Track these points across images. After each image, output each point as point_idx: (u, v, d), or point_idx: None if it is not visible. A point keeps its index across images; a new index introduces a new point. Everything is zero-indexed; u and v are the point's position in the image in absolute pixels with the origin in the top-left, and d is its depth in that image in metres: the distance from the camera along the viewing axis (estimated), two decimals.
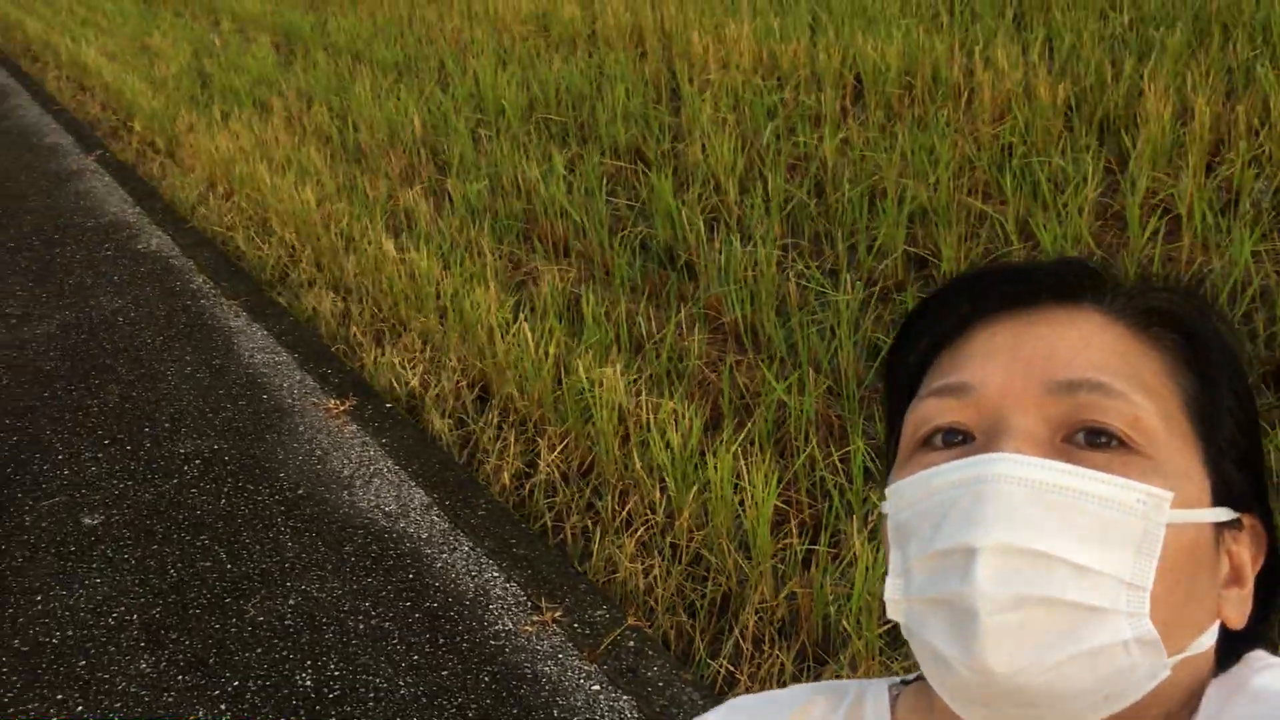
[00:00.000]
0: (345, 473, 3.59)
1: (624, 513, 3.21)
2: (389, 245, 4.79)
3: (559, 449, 3.51)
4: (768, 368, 3.63)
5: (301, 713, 2.67)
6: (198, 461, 3.73)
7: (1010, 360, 0.62)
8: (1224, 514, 0.61)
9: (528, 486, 3.45)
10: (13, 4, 14.74)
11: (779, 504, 3.04)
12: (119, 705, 2.77)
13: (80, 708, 2.78)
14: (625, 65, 7.02)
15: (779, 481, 3.06)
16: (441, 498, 3.41)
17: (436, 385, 3.98)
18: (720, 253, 4.40)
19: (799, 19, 7.11)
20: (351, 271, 4.84)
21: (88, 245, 5.82)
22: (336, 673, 2.77)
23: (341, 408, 3.95)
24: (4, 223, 6.35)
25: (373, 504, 3.42)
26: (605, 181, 5.38)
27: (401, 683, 2.71)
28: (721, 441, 3.22)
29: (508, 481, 3.48)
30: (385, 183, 5.84)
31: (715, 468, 3.07)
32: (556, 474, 3.45)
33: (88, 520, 3.51)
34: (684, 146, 5.58)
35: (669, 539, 3.08)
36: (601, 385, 3.53)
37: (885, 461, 0.72)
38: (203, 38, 10.18)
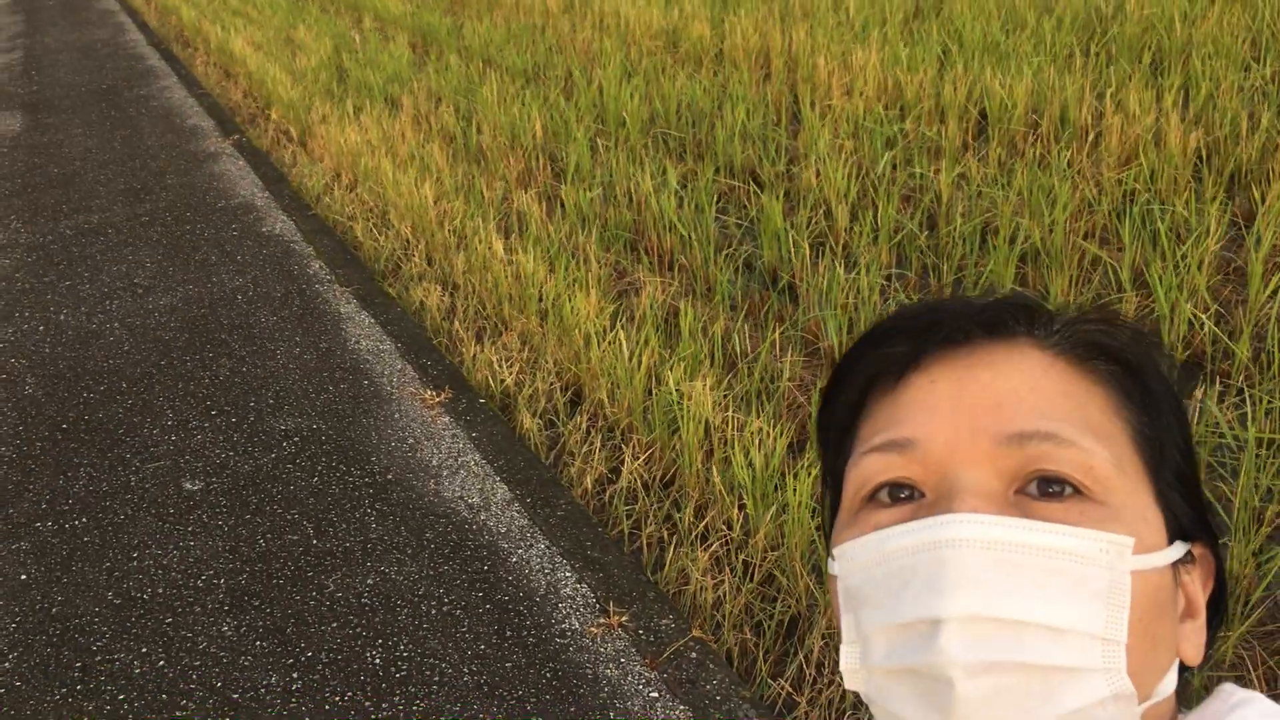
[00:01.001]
0: (434, 462, 3.67)
1: (701, 526, 3.22)
2: (498, 245, 4.89)
3: (643, 458, 3.54)
4: None
5: (368, 688, 2.74)
6: (296, 439, 3.86)
7: (954, 411, 0.59)
8: (1179, 550, 0.60)
9: (609, 492, 3.49)
10: None
11: None
12: (198, 664, 2.88)
13: (162, 662, 2.90)
14: (748, 86, 7.05)
15: None
16: (523, 495, 3.46)
17: (530, 385, 4.05)
18: (824, 278, 4.39)
19: (928, 50, 7.05)
20: (460, 268, 4.95)
21: (216, 225, 6.06)
22: (405, 654, 2.84)
23: (437, 399, 4.04)
24: (142, 197, 6.66)
25: (457, 495, 3.50)
26: (717, 199, 5.40)
27: (466, 670, 2.77)
28: (804, 465, 3.21)
29: (590, 486, 3.52)
30: (501, 184, 5.96)
31: (795, 490, 3.07)
32: (639, 482, 3.47)
33: (189, 485, 3.66)
34: (799, 170, 5.58)
35: (742, 556, 3.08)
36: (690, 398, 3.55)
37: (825, 514, 0.69)
38: (344, 34, 10.52)
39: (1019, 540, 0.54)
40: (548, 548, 3.21)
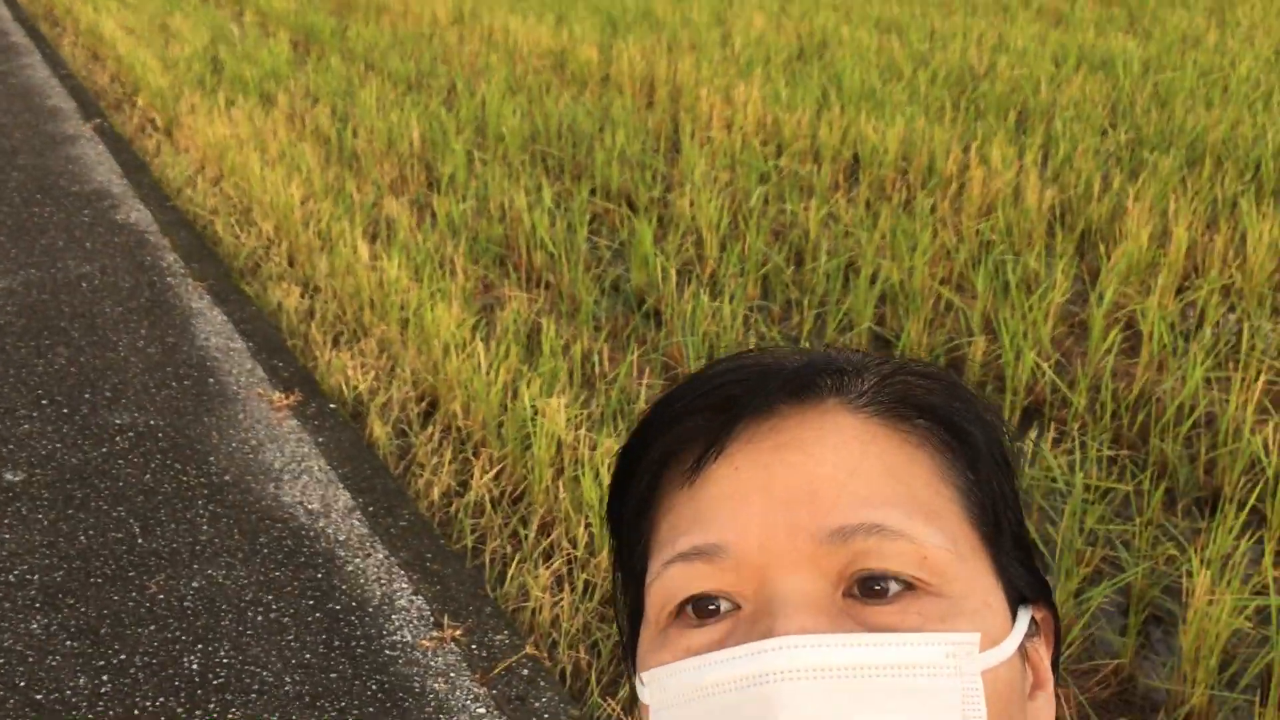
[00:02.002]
0: (276, 465, 3.56)
1: (545, 544, 3.19)
2: (364, 250, 4.79)
3: (493, 472, 3.49)
4: None
5: (182, 694, 2.62)
6: (131, 434, 3.70)
7: (765, 505, 0.52)
8: (1024, 623, 0.55)
9: (456, 506, 3.42)
10: None
11: None
12: (1, 661, 2.71)
13: None
14: (631, 112, 7.09)
15: None
16: (366, 503, 3.38)
17: (385, 394, 3.96)
18: (689, 304, 4.42)
19: (808, 92, 7.21)
20: (323, 271, 4.83)
21: (67, 209, 5.80)
22: (225, 660, 2.72)
23: (285, 401, 3.92)
24: None
25: (296, 500, 3.39)
26: (590, 220, 5.40)
27: (289, 679, 2.67)
28: None
29: (437, 498, 3.45)
30: (373, 190, 5.85)
31: None
32: (487, 497, 3.42)
33: (9, 476, 3.46)
34: (673, 197, 5.62)
35: (584, 575, 3.05)
36: (545, 415, 3.52)
37: (622, 621, 0.62)
38: (223, 26, 10.25)
39: (856, 661, 0.48)
40: (386, 558, 3.13)
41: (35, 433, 3.69)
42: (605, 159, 6.11)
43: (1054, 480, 3.36)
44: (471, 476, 3.51)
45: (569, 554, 3.12)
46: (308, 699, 2.61)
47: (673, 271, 4.66)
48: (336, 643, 2.79)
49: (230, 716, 2.55)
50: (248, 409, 3.89)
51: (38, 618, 2.87)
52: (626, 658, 0.61)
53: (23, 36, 10.62)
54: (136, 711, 2.58)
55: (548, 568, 3.07)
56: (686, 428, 0.56)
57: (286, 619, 2.87)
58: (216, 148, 6.44)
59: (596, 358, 4.08)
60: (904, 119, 6.44)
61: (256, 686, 2.65)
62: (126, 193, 6.06)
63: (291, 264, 5.11)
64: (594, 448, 3.43)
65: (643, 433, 0.58)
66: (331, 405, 3.96)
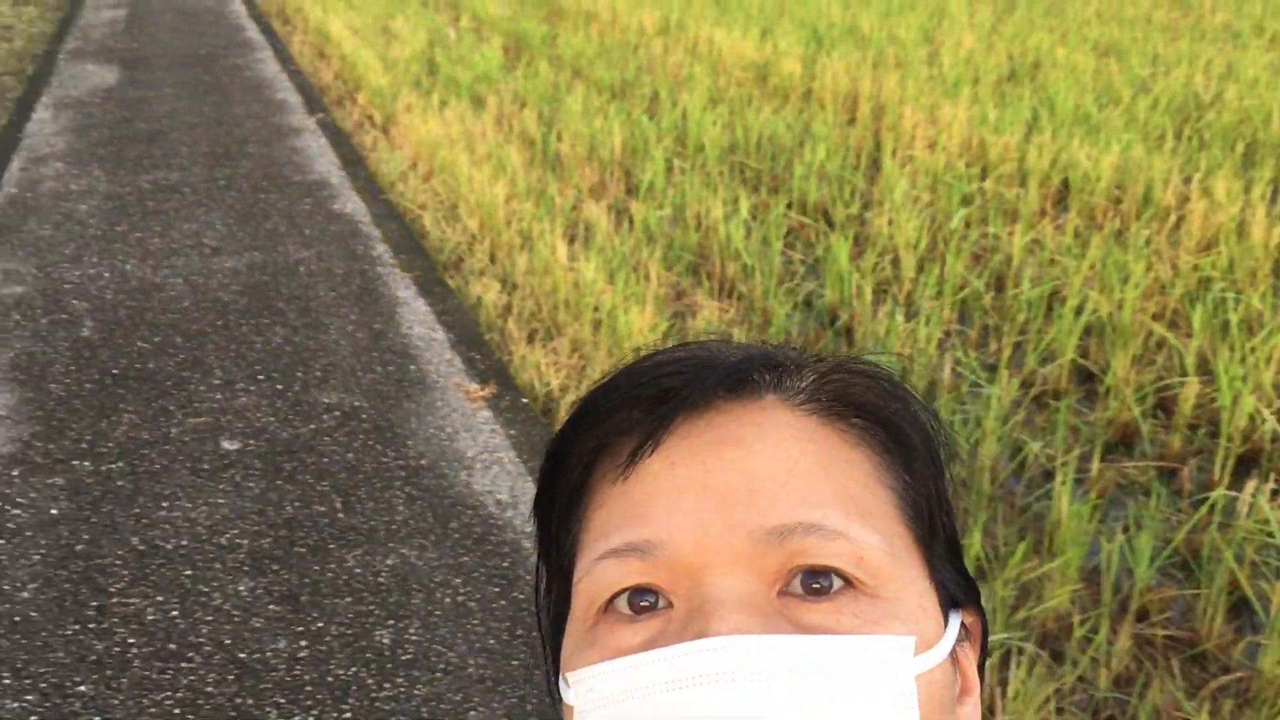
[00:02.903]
0: (469, 454, 3.67)
1: None
2: (562, 251, 4.90)
3: None
4: None
5: (373, 666, 2.73)
6: (337, 413, 3.88)
7: (701, 502, 0.51)
8: (955, 628, 0.55)
9: None
10: None
11: None
12: (210, 619, 2.89)
13: (175, 613, 2.91)
14: (831, 127, 7.03)
15: None
16: None
17: (575, 391, 4.04)
18: (883, 324, 4.34)
19: (1018, 114, 6.99)
20: (522, 269, 4.96)
21: (290, 197, 6.14)
22: (414, 637, 2.82)
23: (481, 393, 4.05)
24: (223, 162, 6.77)
25: (487, 489, 3.49)
26: (785, 233, 5.38)
27: (472, 662, 2.75)
28: None
29: None
30: (574, 193, 5.98)
31: None
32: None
33: (226, 445, 3.68)
34: (871, 215, 5.54)
35: None
36: None
37: (546, 622, 0.60)
38: (440, 30, 10.66)
39: (792, 662, 0.47)
40: None
41: (251, 406, 3.91)
42: (804, 173, 6.07)
43: (1270, 535, 3.16)
44: None
45: None
46: (489, 684, 2.68)
47: (867, 290, 4.60)
48: (519, 631, 2.86)
49: (416, 692, 2.65)
50: (445, 397, 4.03)
51: (245, 580, 3.04)
52: (548, 659, 0.60)
53: (257, 33, 11.30)
54: (330, 679, 2.70)
55: None
56: (620, 420, 0.55)
57: (473, 604, 2.95)
58: (428, 146, 6.70)
59: None
60: (1120, 146, 6.18)
61: (442, 666, 2.73)
62: (344, 184, 6.37)
63: (493, 260, 5.27)
64: None
65: (575, 424, 0.57)
66: (524, 400, 4.06)
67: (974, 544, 3.01)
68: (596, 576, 0.52)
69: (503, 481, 3.54)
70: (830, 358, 0.58)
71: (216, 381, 4.07)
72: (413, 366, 4.25)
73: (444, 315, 4.68)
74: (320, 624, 2.88)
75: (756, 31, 9.76)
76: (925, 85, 7.87)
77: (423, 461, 3.62)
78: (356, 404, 3.95)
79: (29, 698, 2.63)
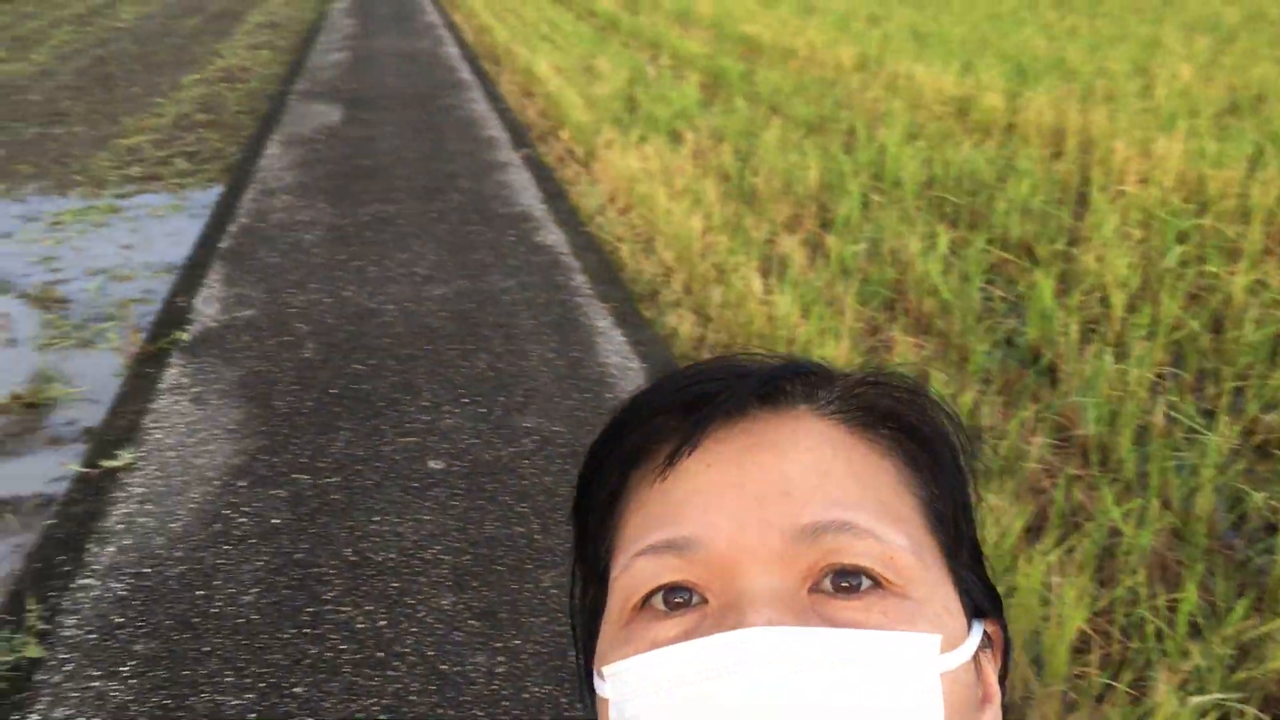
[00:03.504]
0: None
1: None
2: (756, 284, 4.93)
3: None
4: (1109, 490, 3.42)
5: (567, 687, 2.80)
6: (536, 437, 4.01)
7: (738, 502, 0.53)
8: (979, 635, 0.56)
9: None
10: (493, 15, 16.45)
11: (1085, 628, 2.86)
12: (414, 631, 3.02)
13: (383, 623, 3.06)
14: (1036, 162, 6.83)
15: (1091, 607, 2.88)
16: None
17: None
18: (1090, 364, 4.19)
19: (1240, 148, 6.64)
20: (716, 302, 5.02)
21: (496, 229, 6.39)
22: None
23: None
24: (435, 195, 7.11)
25: None
26: (986, 270, 5.26)
27: None
28: (1039, 550, 3.07)
29: None
30: (768, 227, 6.01)
31: (1026, 574, 2.93)
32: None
33: (433, 464, 3.85)
34: (1078, 252, 5.36)
35: None
36: None
37: (581, 619, 0.62)
38: (640, 68, 10.90)
39: (823, 655, 0.49)
40: None
41: (456, 428, 4.08)
42: (1006, 209, 5.93)
43: None
44: None
45: None
46: None
47: (1073, 328, 4.44)
48: None
49: None
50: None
51: (448, 595, 3.17)
52: (584, 662, 0.60)
53: (469, 73, 11.83)
54: (525, 695, 2.78)
55: None
56: (658, 425, 0.57)
57: None
58: (627, 180, 6.86)
59: (984, 410, 3.96)
60: None
61: None
62: (546, 217, 6.58)
63: (688, 293, 5.34)
64: (979, 502, 3.33)
65: (614, 430, 0.59)
66: None
67: (1189, 598, 2.86)
68: (634, 573, 0.54)
69: None
70: (861, 370, 0.60)
71: (425, 403, 4.27)
72: (609, 395, 4.35)
73: (639, 345, 4.78)
74: (517, 641, 2.97)
75: (957, 65, 9.60)
76: (1137, 118, 7.56)
77: None
78: (555, 429, 4.07)
79: (248, 696, 2.81)
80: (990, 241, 5.68)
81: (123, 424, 4.22)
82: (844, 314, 4.79)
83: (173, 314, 5.28)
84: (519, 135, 8.81)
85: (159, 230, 7.03)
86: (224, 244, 6.27)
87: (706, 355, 4.52)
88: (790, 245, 5.58)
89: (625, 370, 4.56)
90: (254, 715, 2.74)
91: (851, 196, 6.13)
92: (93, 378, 4.87)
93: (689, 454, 0.55)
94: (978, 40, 11.23)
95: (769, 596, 0.50)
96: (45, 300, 5.82)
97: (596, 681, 0.56)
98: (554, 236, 6.23)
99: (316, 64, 13.09)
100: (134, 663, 2.91)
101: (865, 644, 0.49)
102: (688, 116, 8.56)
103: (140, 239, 6.85)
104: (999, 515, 3.22)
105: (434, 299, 5.30)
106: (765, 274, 5.35)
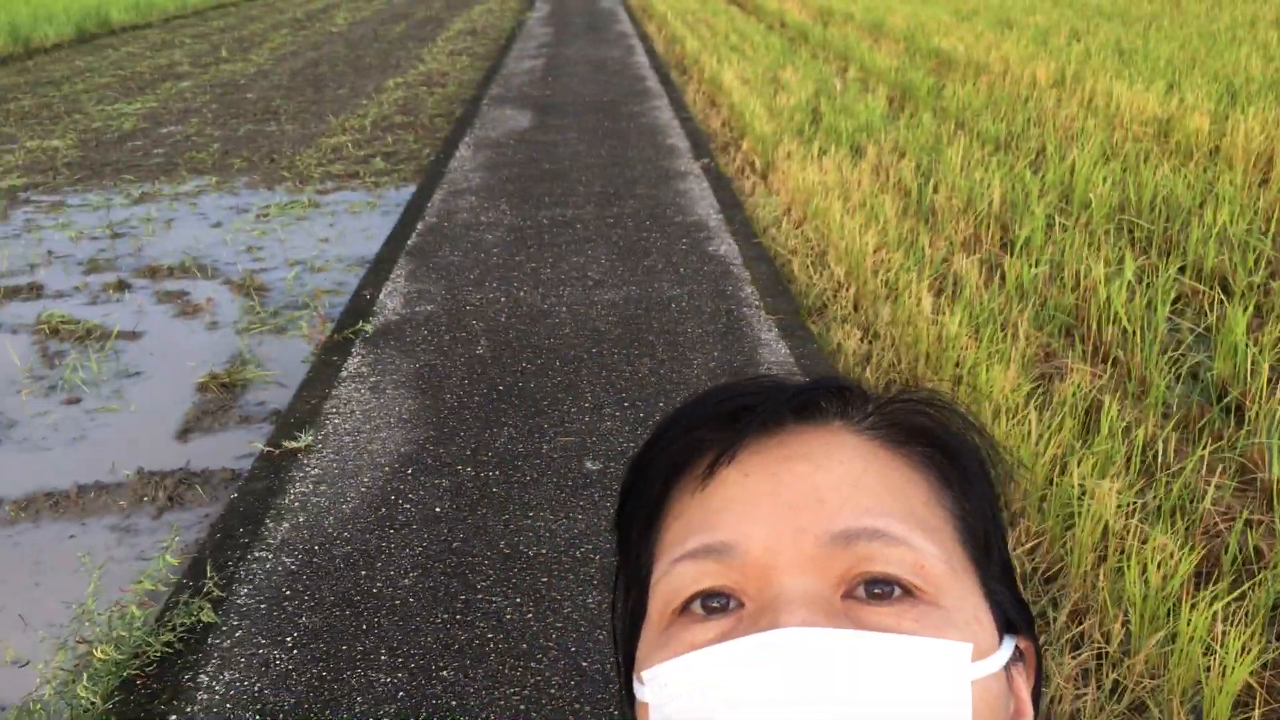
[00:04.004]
0: None
1: (1075, 631, 3.02)
2: (927, 303, 4.84)
3: (1028, 546, 3.37)
4: None
5: None
6: None
7: (773, 509, 0.54)
8: (1010, 648, 0.57)
9: None
10: (685, 25, 16.61)
11: (1251, 682, 2.70)
12: (559, 626, 3.10)
13: (530, 615, 3.15)
14: (1240, 189, 6.47)
15: (1259, 660, 2.72)
16: None
17: None
18: None
19: None
20: (884, 319, 4.95)
21: (669, 236, 6.47)
22: None
23: None
24: (613, 201, 7.24)
25: None
26: (1174, 300, 5.02)
27: None
28: (1206, 597, 2.92)
29: None
30: (945, 245, 5.88)
31: (1191, 621, 2.79)
32: (1018, 570, 3.31)
33: (590, 464, 3.94)
34: (1277, 285, 5.05)
35: (1114, 675, 2.85)
36: (1094, 497, 3.33)
37: (623, 625, 0.64)
38: (827, 80, 10.83)
39: (856, 655, 0.50)
40: None
41: (614, 430, 4.16)
42: (1201, 236, 5.63)
43: None
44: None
45: (1099, 648, 2.93)
46: None
47: (1265, 366, 4.20)
48: None
49: None
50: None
51: (594, 594, 3.24)
52: (624, 667, 0.62)
53: (656, 82, 11.98)
54: None
55: (1073, 657, 2.90)
56: (697, 438, 0.59)
57: None
58: (804, 193, 6.83)
59: (1161, 446, 3.78)
60: None
61: None
62: (720, 227, 6.62)
63: (856, 309, 5.29)
64: (1145, 541, 3.19)
65: (656, 442, 0.61)
66: None
67: None
68: (674, 578, 0.56)
69: None
70: (893, 387, 0.62)
71: (586, 404, 4.36)
72: None
73: (803, 359, 4.76)
74: None
75: (1161, 84, 9.16)
76: None
77: None
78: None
79: (399, 675, 2.94)
80: (1181, 270, 5.42)
81: (306, 408, 4.47)
82: (1017, 338, 4.65)
83: (359, 306, 5.56)
84: (700, 145, 8.88)
85: (354, 225, 7.40)
86: (411, 241, 6.55)
87: (870, 373, 4.47)
88: (966, 265, 5.46)
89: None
90: (402, 694, 2.86)
91: (1035, 218, 5.94)
92: (283, 362, 5.17)
93: (727, 464, 0.57)
94: (1187, 59, 10.70)
95: (803, 599, 0.52)
96: (247, 287, 6.21)
97: (636, 686, 0.58)
98: (726, 247, 6.26)
99: (511, 70, 13.50)
100: (297, 634, 3.08)
101: (896, 648, 0.50)
102: (871, 130, 8.46)
103: (336, 233, 7.23)
104: (1165, 556, 3.07)
105: (603, 303, 5.41)
106: (938, 293, 5.24)
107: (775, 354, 4.81)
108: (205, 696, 2.87)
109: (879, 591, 0.53)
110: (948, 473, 0.59)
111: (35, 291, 6.27)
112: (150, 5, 23.68)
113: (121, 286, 6.31)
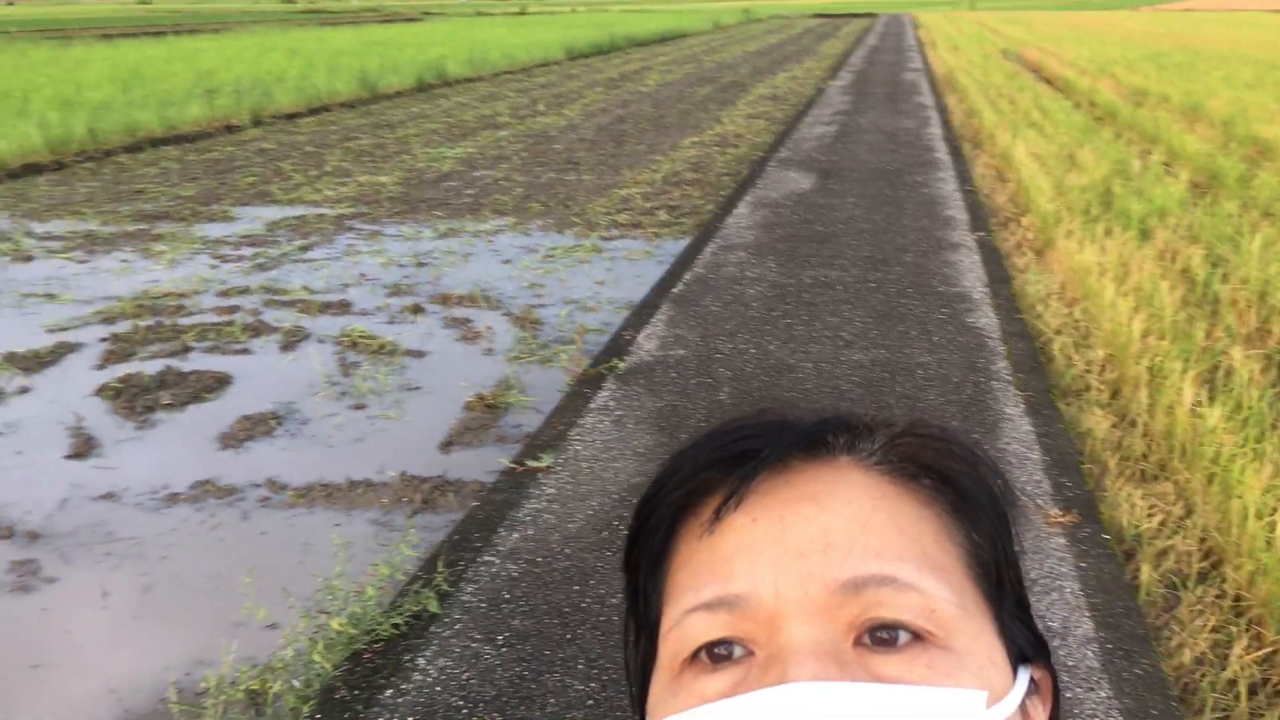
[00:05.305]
0: (1030, 575, 3.62)
1: None
2: (1188, 394, 4.61)
3: (1260, 654, 3.17)
4: None
5: None
6: None
7: (780, 555, 0.54)
8: (1024, 682, 0.56)
9: (1206, 676, 3.17)
10: (986, 100, 16.36)
11: None
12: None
13: None
14: None
15: None
16: (1107, 640, 3.29)
17: (1165, 540, 3.79)
18: None
19: None
20: (1141, 405, 4.74)
21: (929, 305, 6.43)
22: None
23: (1059, 519, 3.96)
24: (878, 266, 7.28)
25: (1039, 613, 3.42)
26: None
27: None
28: None
29: (1187, 660, 3.24)
30: (1224, 337, 5.55)
31: None
32: (1244, 679, 3.11)
33: None
34: None
35: None
36: None
37: (633, 670, 0.63)
38: (1125, 161, 10.40)
39: (866, 709, 0.49)
40: (1108, 698, 3.03)
41: None
42: None
43: None
44: (1232, 651, 3.22)
45: None
46: None
47: None
48: None
49: None
50: (1024, 516, 4.00)
51: None
52: (635, 708, 0.62)
53: (945, 154, 11.88)
54: None
55: None
56: (703, 481, 0.58)
57: None
58: (1079, 273, 6.62)
59: None
60: None
61: None
62: (983, 300, 6.52)
63: (1114, 396, 5.09)
64: None
65: (661, 484, 0.60)
66: (1105, 535, 3.90)
67: None
68: (685, 629, 0.55)
69: (1057, 610, 3.44)
70: (901, 421, 0.61)
71: None
72: (999, 482, 4.26)
73: (1045, 438, 4.63)
74: None
75: None
76: None
77: None
78: None
79: (592, 684, 3.11)
80: None
81: (552, 432, 4.78)
82: None
83: (618, 345, 5.87)
84: (979, 218, 8.75)
85: (629, 271, 7.79)
86: (676, 289, 6.84)
87: (1115, 460, 4.31)
88: (1241, 358, 5.14)
89: (1023, 459, 4.45)
90: (591, 702, 3.04)
91: None
92: (542, 390, 5.54)
93: (735, 509, 0.56)
94: None
95: (812, 649, 0.51)
96: (524, 320, 6.68)
97: None
98: (986, 320, 6.16)
99: (802, 135, 13.75)
100: (508, 634, 3.33)
101: (910, 700, 0.49)
102: (1164, 214, 8.07)
103: (612, 277, 7.63)
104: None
105: (850, 363, 5.47)
106: (1204, 383, 4.97)
107: (1017, 429, 4.71)
108: (420, 677, 3.16)
109: (889, 637, 0.52)
110: (958, 506, 0.59)
111: (344, 308, 6.98)
112: (483, 61, 25.71)
113: (416, 310, 6.93)
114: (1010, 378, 5.31)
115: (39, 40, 33.25)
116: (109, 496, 4.47)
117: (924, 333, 5.96)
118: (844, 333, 5.95)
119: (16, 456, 4.86)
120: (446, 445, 4.98)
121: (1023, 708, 0.55)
